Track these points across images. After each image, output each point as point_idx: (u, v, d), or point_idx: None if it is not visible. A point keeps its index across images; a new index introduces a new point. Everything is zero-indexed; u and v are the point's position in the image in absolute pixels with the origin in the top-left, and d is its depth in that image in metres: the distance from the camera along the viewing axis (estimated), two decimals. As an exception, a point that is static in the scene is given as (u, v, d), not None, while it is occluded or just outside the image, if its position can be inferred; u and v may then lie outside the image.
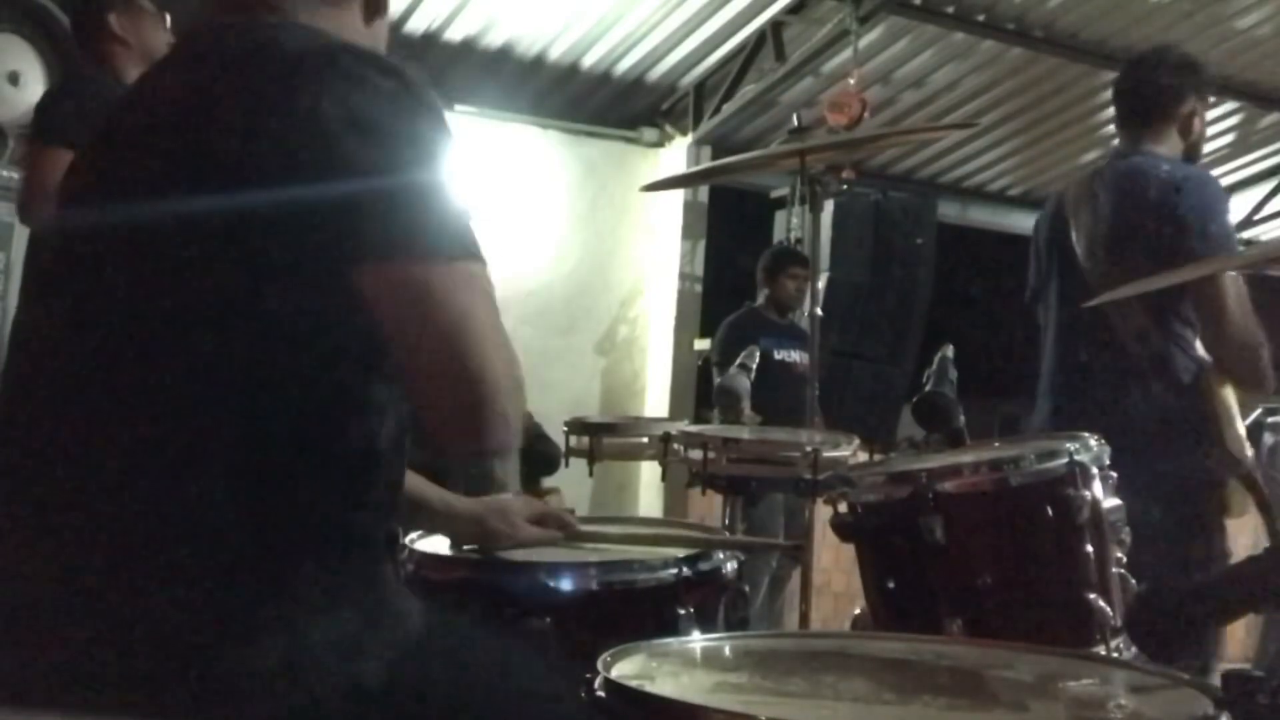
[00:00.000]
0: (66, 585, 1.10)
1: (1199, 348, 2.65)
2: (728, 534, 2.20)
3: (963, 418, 2.40)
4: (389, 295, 1.11)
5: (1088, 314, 2.65)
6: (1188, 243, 2.58)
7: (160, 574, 1.09)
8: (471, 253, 1.14)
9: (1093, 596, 1.87)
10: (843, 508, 2.02)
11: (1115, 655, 1.81)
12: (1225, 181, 7.50)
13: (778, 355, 5.04)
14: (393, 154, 1.12)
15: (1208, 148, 3.78)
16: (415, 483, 1.74)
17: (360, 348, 1.18)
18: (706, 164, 6.25)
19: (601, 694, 1.19)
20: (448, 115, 1.19)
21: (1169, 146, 2.81)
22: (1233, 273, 2.57)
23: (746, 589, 1.81)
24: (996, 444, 2.35)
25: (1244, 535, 2.90)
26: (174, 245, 1.13)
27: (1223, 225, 2.68)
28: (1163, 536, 2.54)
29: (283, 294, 1.13)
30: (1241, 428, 2.63)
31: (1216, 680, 1.19)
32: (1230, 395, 2.61)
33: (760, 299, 5.42)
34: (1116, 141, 3.00)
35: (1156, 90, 2.83)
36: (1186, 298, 2.64)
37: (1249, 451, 2.62)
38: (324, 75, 1.13)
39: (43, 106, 3.02)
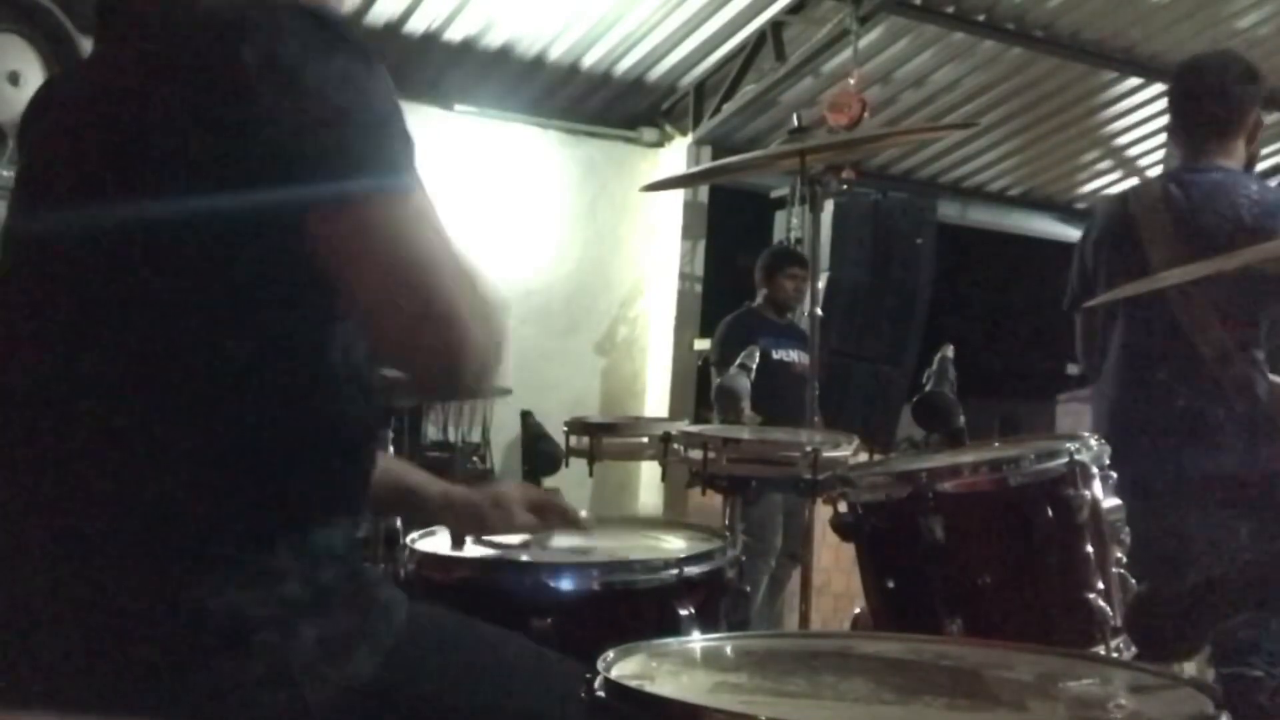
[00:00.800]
0: (46, 589, 1.09)
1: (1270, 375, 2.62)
2: (728, 533, 2.20)
3: (963, 418, 2.40)
4: (331, 243, 1.09)
5: (1165, 331, 2.64)
6: None
7: (136, 570, 1.08)
8: (407, 184, 1.12)
9: (1093, 596, 1.87)
10: (843, 508, 2.02)
11: (1115, 655, 1.81)
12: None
13: (776, 355, 5.03)
14: (312, 101, 1.09)
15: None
16: (413, 474, 1.74)
17: (329, 331, 1.17)
18: (706, 164, 6.25)
19: (601, 694, 1.19)
20: (378, 64, 1.15)
21: (1235, 157, 2.75)
22: None
23: (747, 589, 1.81)
24: (996, 444, 2.36)
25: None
26: (120, 227, 1.11)
27: None
28: (1244, 549, 2.53)
29: (243, 277, 1.11)
30: None
31: None
32: None
33: (759, 299, 5.42)
34: (1174, 148, 2.89)
35: (1230, 99, 2.76)
36: (1268, 319, 2.62)
37: None
38: (239, 30, 1.09)
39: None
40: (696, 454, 2.14)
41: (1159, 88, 6.79)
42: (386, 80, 1.14)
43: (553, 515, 1.79)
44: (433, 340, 1.11)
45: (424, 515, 1.80)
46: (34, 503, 1.12)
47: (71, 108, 1.21)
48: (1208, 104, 2.77)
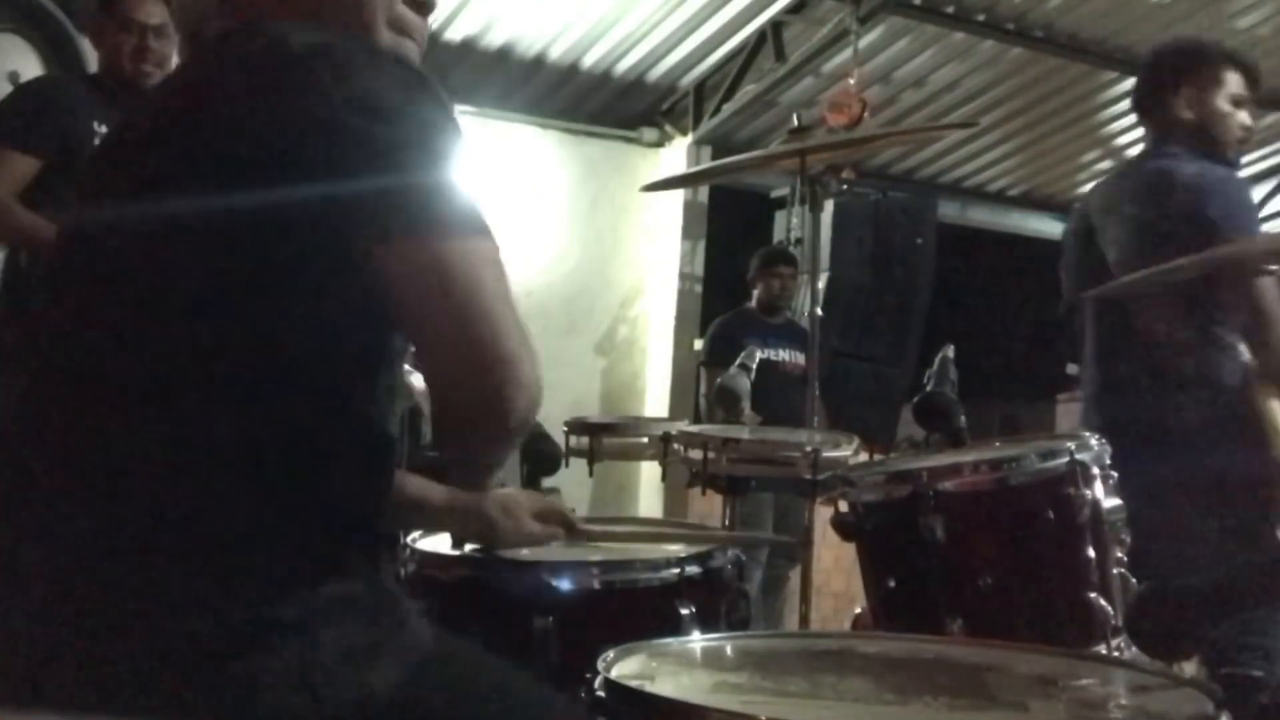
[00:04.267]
0: (73, 586, 1.10)
1: (1246, 353, 2.58)
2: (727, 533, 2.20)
3: (963, 418, 2.40)
4: (406, 275, 1.12)
5: (1128, 326, 2.64)
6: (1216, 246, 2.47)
7: (167, 576, 1.09)
8: (484, 230, 1.16)
9: (1093, 596, 1.87)
10: (843, 507, 2.02)
11: (1115, 655, 1.82)
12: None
13: (764, 354, 5.03)
14: (406, 135, 1.13)
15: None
16: (416, 481, 1.74)
17: (370, 343, 1.19)
18: (706, 164, 6.25)
19: (601, 694, 1.19)
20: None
21: (1178, 137, 2.75)
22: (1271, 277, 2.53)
23: (747, 589, 1.81)
24: (996, 444, 2.36)
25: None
26: (190, 242, 1.13)
27: (1250, 224, 2.62)
28: (1217, 540, 2.51)
29: (297, 288, 1.13)
30: None
31: None
32: (1277, 403, 2.56)
33: (753, 299, 5.44)
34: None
35: (1145, 83, 2.89)
36: (1226, 306, 2.58)
37: None
38: (336, 65, 1.14)
39: None
40: (696, 454, 2.14)
41: (1159, 88, 6.79)
42: (458, 127, 1.18)
43: (558, 523, 1.79)
44: (478, 378, 1.14)
45: (429, 523, 1.80)
46: (66, 498, 1.13)
47: (162, 119, 1.23)
48: (1138, 91, 2.90)
